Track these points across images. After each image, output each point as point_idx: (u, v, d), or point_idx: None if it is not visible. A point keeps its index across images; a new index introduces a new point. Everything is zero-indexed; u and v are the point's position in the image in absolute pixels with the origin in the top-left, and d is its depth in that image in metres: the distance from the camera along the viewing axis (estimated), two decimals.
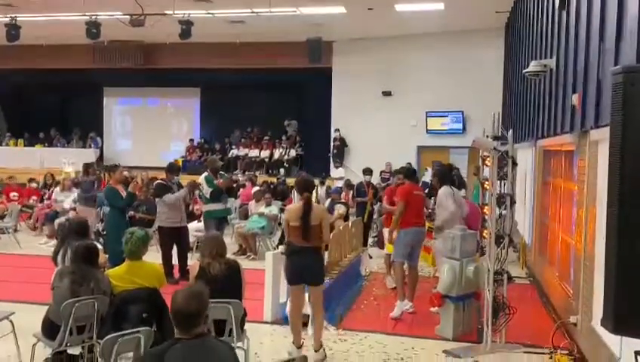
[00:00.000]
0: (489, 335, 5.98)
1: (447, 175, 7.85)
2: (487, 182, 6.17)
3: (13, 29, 15.43)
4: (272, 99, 20.33)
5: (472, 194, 11.12)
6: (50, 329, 4.73)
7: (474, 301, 6.70)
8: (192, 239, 9.86)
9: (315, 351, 5.72)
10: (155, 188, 9.06)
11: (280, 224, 12.20)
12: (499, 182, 6.06)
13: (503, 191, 6.06)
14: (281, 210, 12.34)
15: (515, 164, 6.07)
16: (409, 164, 15.03)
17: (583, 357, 5.56)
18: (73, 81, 21.03)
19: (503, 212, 6.21)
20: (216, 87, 20.94)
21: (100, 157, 22.01)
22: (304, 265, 5.71)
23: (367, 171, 11.74)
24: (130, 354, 3.93)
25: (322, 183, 14.36)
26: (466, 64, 16.72)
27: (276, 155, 19.94)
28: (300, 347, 5.80)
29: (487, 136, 6.13)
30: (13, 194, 14.18)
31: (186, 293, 2.95)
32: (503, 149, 6.05)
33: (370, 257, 10.44)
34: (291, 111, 20.34)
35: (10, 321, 5.34)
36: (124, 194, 8.33)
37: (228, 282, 4.83)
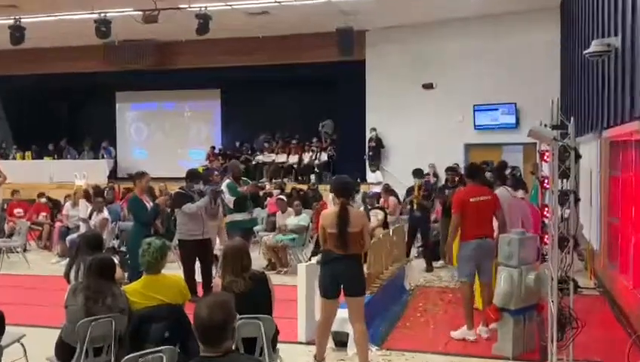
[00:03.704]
0: (554, 353, 5.85)
1: (501, 173, 7.72)
2: (546, 180, 6.05)
3: (17, 31, 15.79)
4: (300, 98, 20.38)
5: (529, 196, 10.94)
6: (64, 351, 4.76)
7: (536, 314, 6.60)
8: (217, 253, 9.89)
9: None
10: (173, 197, 9.13)
11: (312, 236, 12.21)
12: (560, 178, 5.93)
13: (565, 188, 5.93)
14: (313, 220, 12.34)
15: (578, 156, 5.94)
16: (456, 164, 14.87)
17: None
18: (82, 85, 21.44)
19: (567, 211, 6.08)
20: (239, 87, 21.09)
21: (114, 168, 22.39)
22: (342, 274, 5.72)
23: (418, 173, 11.41)
24: None
25: (357, 191, 14.32)
26: (516, 50, 16.50)
27: (306, 160, 19.98)
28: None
29: (545, 126, 6.01)
30: (18, 211, 14.21)
31: (210, 303, 2.93)
32: (563, 141, 5.93)
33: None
34: (320, 111, 20.36)
35: (22, 344, 5.41)
36: (149, 205, 8.38)
37: (255, 297, 4.81)
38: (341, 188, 5.92)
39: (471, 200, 7.06)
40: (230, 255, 4.99)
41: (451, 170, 11.53)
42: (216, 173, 13.12)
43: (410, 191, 11.43)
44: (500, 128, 17.15)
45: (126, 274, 7.56)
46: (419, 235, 11.57)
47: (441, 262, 10.95)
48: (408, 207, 11.58)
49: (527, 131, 6.08)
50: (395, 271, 8.72)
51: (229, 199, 9.19)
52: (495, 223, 7.19)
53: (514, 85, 16.62)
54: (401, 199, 13.64)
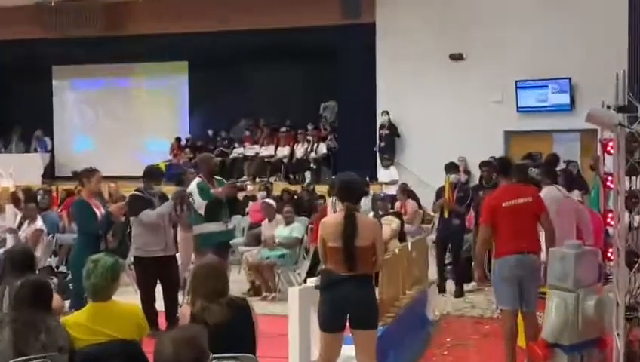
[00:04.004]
0: None
1: (550, 169, 7.75)
2: (610, 178, 6.07)
3: None
4: (291, 74, 20.36)
5: (589, 198, 10.96)
6: None
7: (596, 351, 6.59)
8: (184, 274, 9.89)
9: None
10: (128, 202, 9.12)
11: (307, 250, 12.20)
12: (628, 176, 5.95)
13: (634, 187, 5.95)
14: (309, 230, 12.31)
15: None
16: (492, 158, 14.82)
17: None
18: (8, 57, 21.32)
19: (636, 219, 6.09)
20: (212, 60, 21.05)
21: (51, 165, 22.35)
22: (348, 301, 5.71)
23: (451, 168, 11.35)
24: None
25: (365, 193, 14.29)
26: (571, 10, 16.55)
27: (299, 153, 19.98)
28: None
29: (609, 107, 6.02)
30: None
31: (176, 338, 2.94)
32: (632, 127, 5.94)
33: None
34: (318, 89, 20.36)
35: None
36: (99, 212, 8.36)
37: (234, 330, 4.81)
38: (346, 190, 5.92)
39: (503, 204, 7.07)
40: (201, 276, 5.00)
41: (487, 164, 11.51)
42: (191, 170, 13.13)
43: (440, 192, 11.38)
44: (551, 111, 17.16)
45: (67, 302, 7.54)
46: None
47: (473, 284, 10.96)
48: (438, 213, 11.53)
49: (585, 115, 6.08)
50: (414, 296, 8.67)
51: (200, 204, 9.16)
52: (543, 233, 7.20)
53: (568, 56, 16.61)
54: (423, 203, 13.64)
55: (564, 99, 17.04)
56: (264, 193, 15.23)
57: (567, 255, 6.55)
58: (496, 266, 7.18)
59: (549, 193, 7.58)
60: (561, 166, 12.07)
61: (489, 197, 7.51)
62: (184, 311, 5.05)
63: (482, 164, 11.83)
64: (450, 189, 11.06)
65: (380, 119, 18.53)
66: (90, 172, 8.66)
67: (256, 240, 12.43)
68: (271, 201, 12.92)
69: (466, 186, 11.83)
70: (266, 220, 12.08)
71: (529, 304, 7.16)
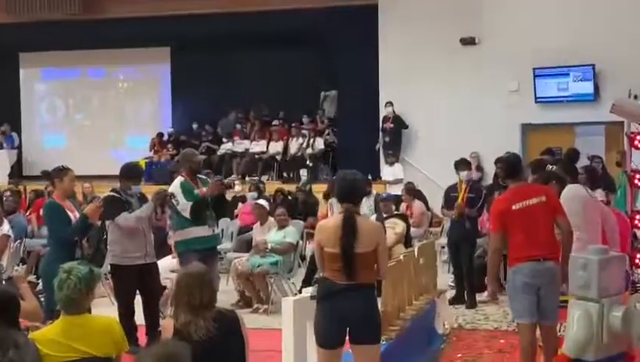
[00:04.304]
0: None
1: (569, 165, 7.74)
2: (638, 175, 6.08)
3: None
4: (284, 61, 20.36)
5: (614, 198, 10.97)
6: None
7: None
8: (165, 284, 9.88)
9: None
10: (103, 204, 9.09)
11: (303, 258, 12.19)
12: None
13: None
14: (307, 235, 12.29)
15: None
16: (508, 153, 14.83)
17: None
18: None
19: None
20: (197, 46, 21.06)
21: (18, 163, 22.32)
22: (348, 313, 5.69)
23: (462, 164, 11.38)
24: None
25: (367, 193, 14.30)
26: None
27: (293, 149, 19.97)
28: None
29: (636, 97, 6.04)
30: None
31: (157, 355, 2.93)
32: None
33: None
34: (314, 78, 20.34)
35: None
36: (73, 215, 8.32)
37: (221, 346, 4.81)
38: (346, 189, 5.90)
39: (514, 207, 7.06)
40: (186, 286, 4.96)
41: (499, 161, 11.52)
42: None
43: (449, 192, 11.38)
44: (572, 101, 17.17)
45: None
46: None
47: (486, 294, 10.92)
48: (453, 214, 11.50)
49: (610, 105, 6.09)
50: (422, 307, 8.65)
51: (184, 205, 9.13)
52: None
53: (592, 41, 16.61)
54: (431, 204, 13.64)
55: (588, 88, 17.04)
56: (255, 194, 15.16)
57: (590, 261, 6.53)
58: (510, 275, 7.17)
59: (571, 190, 7.55)
60: (584, 162, 12.06)
61: (497, 201, 7.53)
62: (166, 325, 5.04)
63: (498, 161, 11.82)
64: (464, 189, 11.09)
65: (384, 111, 18.53)
66: (62, 171, 8.61)
67: (246, 246, 12.43)
68: (263, 202, 12.89)
69: (478, 185, 11.80)
70: (258, 223, 12.06)
71: (547, 316, 7.12)
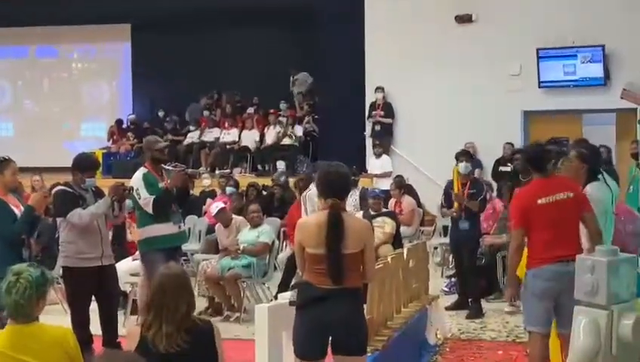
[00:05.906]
0: None
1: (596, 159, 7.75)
2: None
3: None
4: (260, 40, 20.45)
5: (626, 192, 11.01)
6: None
7: None
8: (125, 288, 9.83)
9: None
10: (54, 199, 9.03)
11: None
12: None
13: None
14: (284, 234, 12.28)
15: None
16: (509, 144, 14.87)
17: None
18: None
19: None
20: (161, 23, 21.05)
21: None
22: (331, 321, 5.69)
23: (462, 155, 11.51)
24: None
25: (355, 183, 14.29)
26: None
27: (269, 139, 19.95)
28: None
29: None
30: None
31: None
32: None
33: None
34: (292, 59, 20.35)
35: None
36: (18, 211, 8.21)
37: (192, 361, 4.83)
38: (330, 183, 5.91)
39: (539, 201, 7.09)
40: (162, 289, 4.96)
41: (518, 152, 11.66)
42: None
43: (449, 188, 11.41)
44: (580, 85, 17.26)
45: None
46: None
47: (507, 307, 10.88)
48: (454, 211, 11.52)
49: (621, 90, 6.08)
50: (412, 315, 8.71)
51: (146, 199, 9.09)
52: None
53: (601, 19, 16.68)
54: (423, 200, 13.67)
55: (597, 71, 17.13)
56: (233, 189, 15.10)
57: (598, 263, 6.48)
58: (528, 278, 7.15)
59: (598, 191, 7.56)
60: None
61: (518, 195, 7.53)
62: (133, 332, 5.01)
63: (516, 152, 11.86)
64: (460, 181, 11.05)
65: (372, 97, 18.55)
66: (2, 163, 8.52)
67: (215, 247, 12.39)
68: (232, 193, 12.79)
69: (478, 180, 11.82)
70: (219, 225, 11.93)
71: (566, 324, 6.94)
